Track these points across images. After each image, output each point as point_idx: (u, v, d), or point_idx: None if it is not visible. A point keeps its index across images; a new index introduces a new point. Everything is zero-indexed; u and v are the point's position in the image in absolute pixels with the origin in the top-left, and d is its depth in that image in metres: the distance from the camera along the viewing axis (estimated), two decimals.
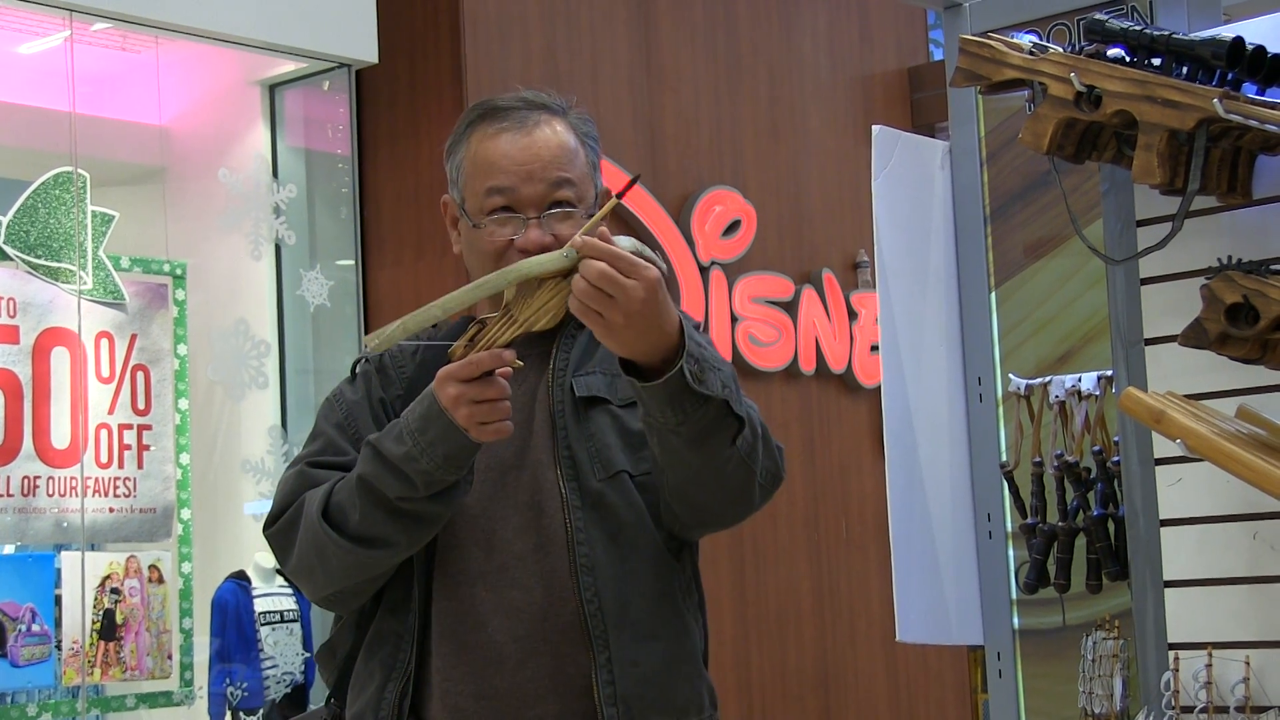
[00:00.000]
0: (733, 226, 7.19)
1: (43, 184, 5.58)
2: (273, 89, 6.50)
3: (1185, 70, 2.54)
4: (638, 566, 2.41)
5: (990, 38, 2.72)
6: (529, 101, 2.56)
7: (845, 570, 7.34)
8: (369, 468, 2.36)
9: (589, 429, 2.45)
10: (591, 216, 2.46)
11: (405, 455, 2.30)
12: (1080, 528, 2.96)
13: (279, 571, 5.98)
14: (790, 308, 7.38)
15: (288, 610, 5.96)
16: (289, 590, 5.94)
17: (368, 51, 6.28)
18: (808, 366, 7.42)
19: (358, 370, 2.60)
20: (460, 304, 2.28)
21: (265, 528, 2.52)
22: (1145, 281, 2.73)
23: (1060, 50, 2.63)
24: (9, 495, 5.41)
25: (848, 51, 7.91)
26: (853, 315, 7.60)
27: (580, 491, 2.42)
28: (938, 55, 8.27)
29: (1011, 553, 3.13)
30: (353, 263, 6.38)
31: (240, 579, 5.91)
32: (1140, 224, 2.76)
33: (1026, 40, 2.74)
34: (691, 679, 2.44)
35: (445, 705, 2.40)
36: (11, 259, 5.47)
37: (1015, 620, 3.13)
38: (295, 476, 2.51)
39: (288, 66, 6.36)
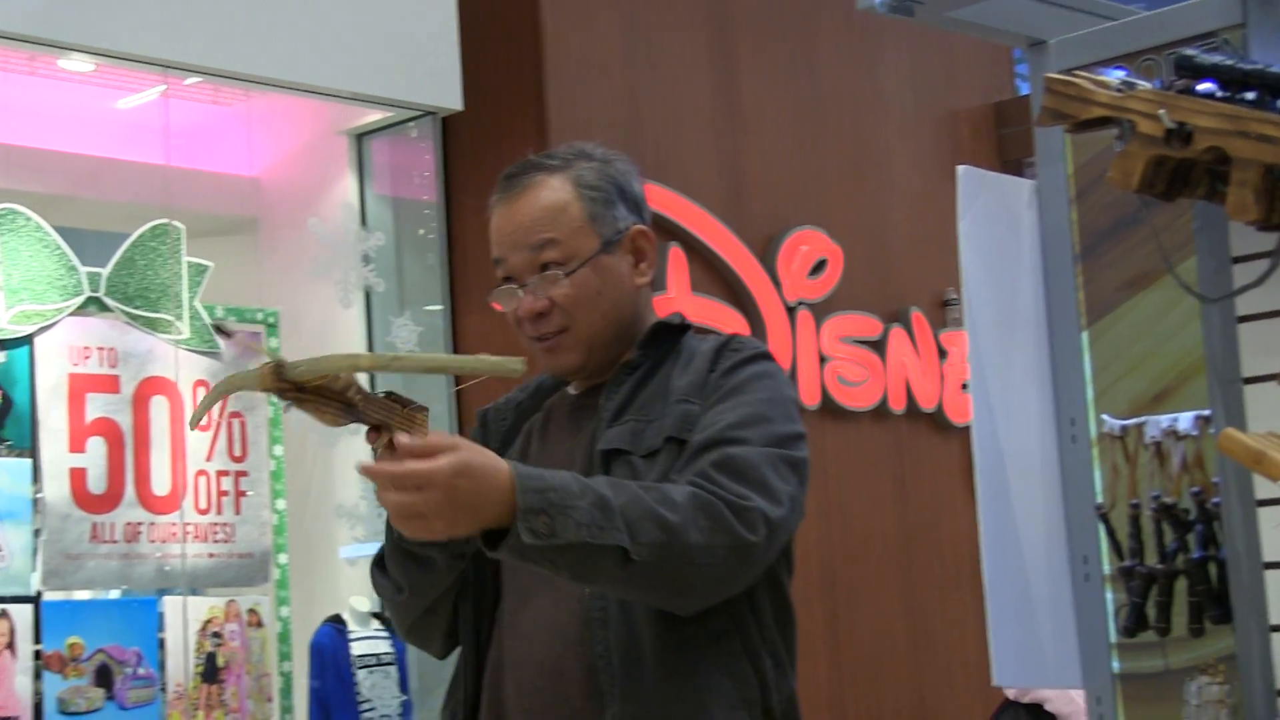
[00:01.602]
0: (819, 266, 7.18)
1: (140, 236, 5.67)
2: (360, 138, 6.57)
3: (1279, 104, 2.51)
4: (653, 621, 2.33)
5: (1076, 75, 2.70)
6: (530, 164, 2.51)
7: (940, 611, 7.28)
8: None
9: None
10: (582, 269, 2.43)
11: None
12: (1180, 570, 2.91)
13: (375, 615, 6.02)
14: (879, 347, 7.35)
15: (384, 653, 6.00)
16: (385, 633, 5.99)
17: (453, 99, 6.33)
18: (898, 406, 7.38)
19: (478, 422, 2.66)
20: (390, 368, 2.25)
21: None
22: (1242, 319, 2.70)
23: (1149, 86, 2.61)
24: (113, 541, 5.50)
25: (932, 88, 7.89)
26: (942, 354, 7.56)
27: None
28: (1024, 89, 8.23)
29: (1109, 595, 3.09)
30: (441, 308, 6.42)
31: (337, 623, 5.95)
32: (1236, 260, 2.72)
33: (1114, 77, 2.71)
34: None
35: None
36: (111, 310, 5.56)
37: (1115, 664, 3.09)
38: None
39: (374, 116, 6.43)
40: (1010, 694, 6.03)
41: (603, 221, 2.48)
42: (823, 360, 7.11)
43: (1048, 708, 5.91)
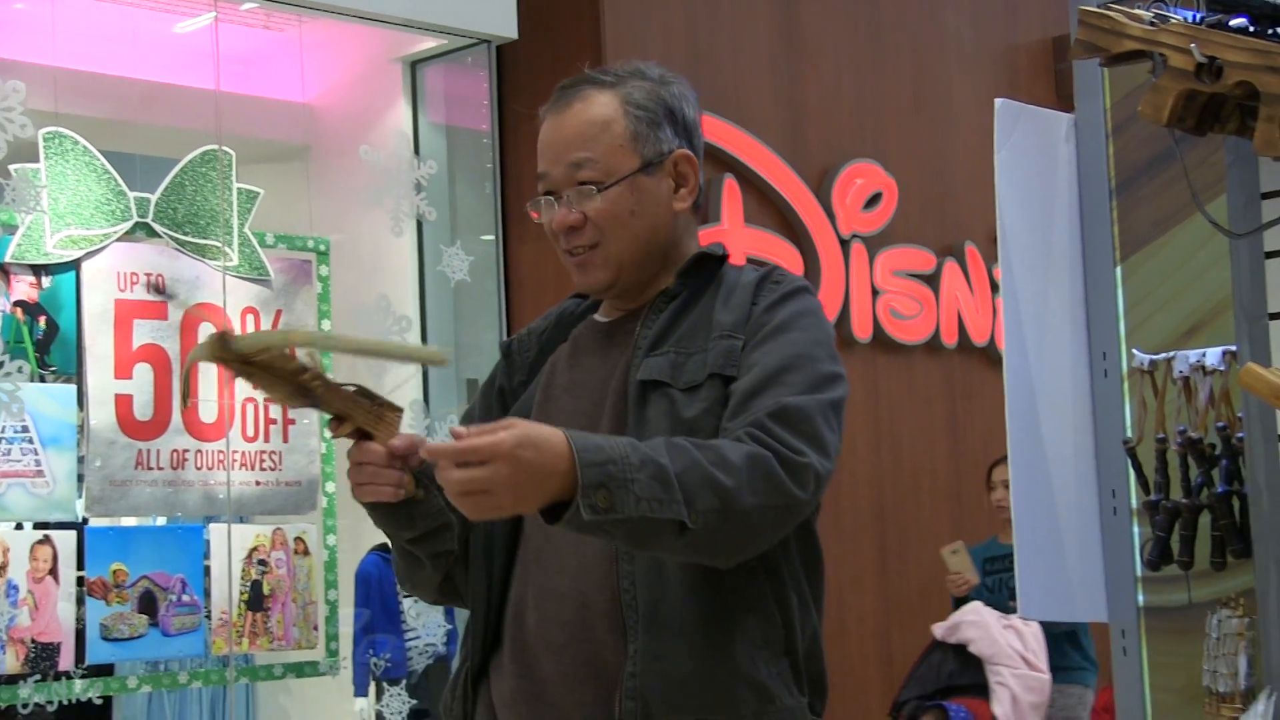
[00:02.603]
0: (874, 199, 7.15)
1: (189, 162, 5.69)
2: (414, 66, 6.57)
3: None
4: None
5: (1110, 8, 2.68)
6: (583, 79, 2.47)
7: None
8: None
9: (645, 415, 2.36)
10: (617, 187, 2.41)
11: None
12: (1204, 505, 2.91)
13: None
14: (932, 281, 7.32)
15: None
16: None
17: (507, 27, 6.32)
18: (950, 340, 7.36)
19: (501, 353, 2.65)
20: (328, 346, 2.28)
21: None
22: (1270, 255, 2.68)
23: (1181, 20, 2.58)
24: (159, 469, 5.52)
25: (991, 23, 7.82)
26: (995, 288, 7.51)
27: None
28: None
29: (1136, 530, 3.09)
30: (493, 238, 6.43)
31: (384, 551, 5.99)
32: (1265, 197, 2.70)
33: (1148, 12, 2.68)
34: (729, 677, 2.29)
35: (498, 690, 2.41)
36: (160, 236, 5.58)
37: (1140, 597, 3.09)
38: None
39: (428, 43, 6.43)
40: (938, 634, 6.07)
41: (645, 141, 2.44)
42: (875, 293, 7.09)
43: (971, 649, 5.95)
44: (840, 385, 2.37)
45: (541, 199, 2.47)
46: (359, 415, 2.21)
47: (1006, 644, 5.95)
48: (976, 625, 5.99)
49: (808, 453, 2.24)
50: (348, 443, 2.28)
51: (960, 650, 6.02)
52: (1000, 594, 6.22)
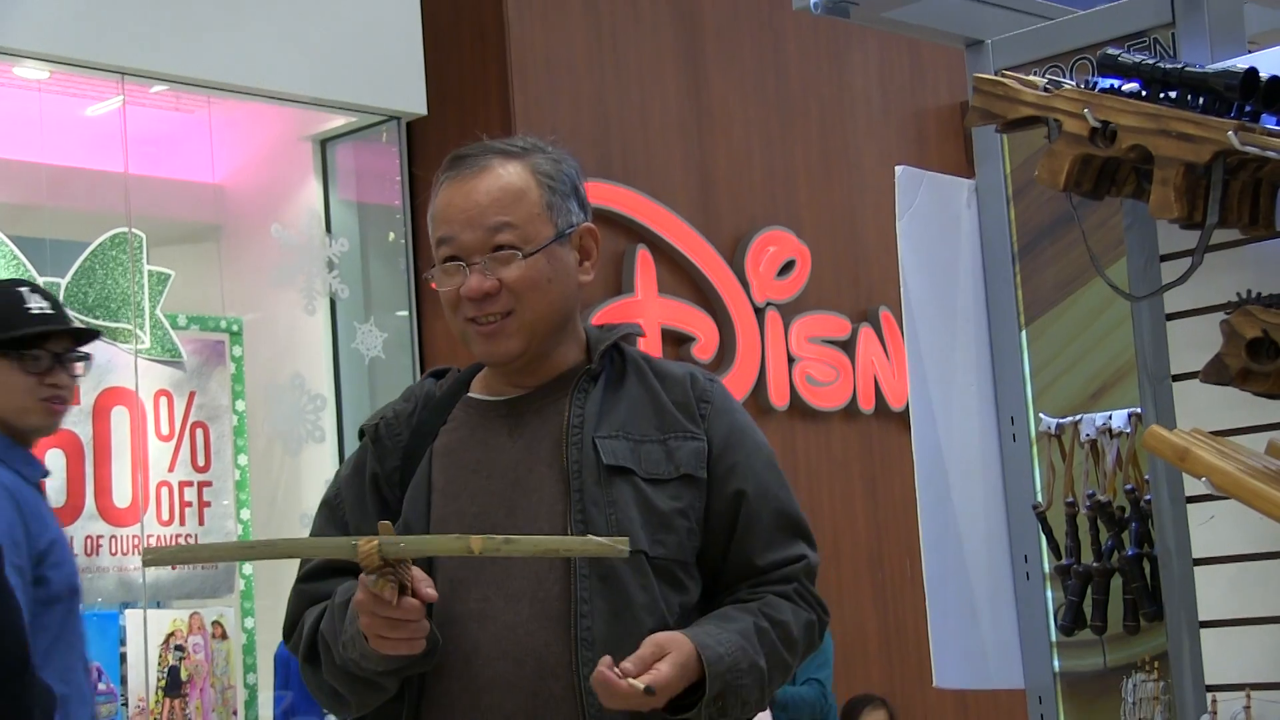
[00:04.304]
0: (787, 266, 7.18)
1: (100, 245, 5.65)
2: (324, 144, 6.55)
3: (1202, 102, 2.50)
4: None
5: (1005, 75, 2.69)
6: (488, 148, 2.47)
7: (911, 609, 7.26)
8: (327, 625, 2.38)
9: (610, 496, 2.35)
10: (536, 255, 2.42)
11: (347, 639, 2.30)
12: (1115, 568, 2.91)
13: None
14: (848, 346, 7.34)
15: None
16: None
17: (417, 103, 6.32)
18: (867, 405, 7.38)
19: (360, 440, 2.57)
20: (235, 558, 2.27)
21: (285, 641, 2.54)
22: (1171, 317, 2.69)
23: (1074, 86, 2.60)
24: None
25: (900, 86, 7.89)
26: None
27: (591, 560, 2.30)
28: None
29: (1049, 594, 3.09)
30: (407, 314, 6.40)
31: None
32: (1164, 258, 2.72)
33: (1042, 78, 2.71)
34: None
35: None
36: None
37: (1056, 663, 3.08)
38: (295, 597, 2.51)
39: (338, 121, 6.42)
40: None
41: (558, 212, 2.45)
42: (791, 360, 7.11)
43: None
44: None
45: (442, 266, 2.43)
46: (403, 573, 2.20)
47: None
48: None
49: (824, 608, 2.51)
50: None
51: None
52: None
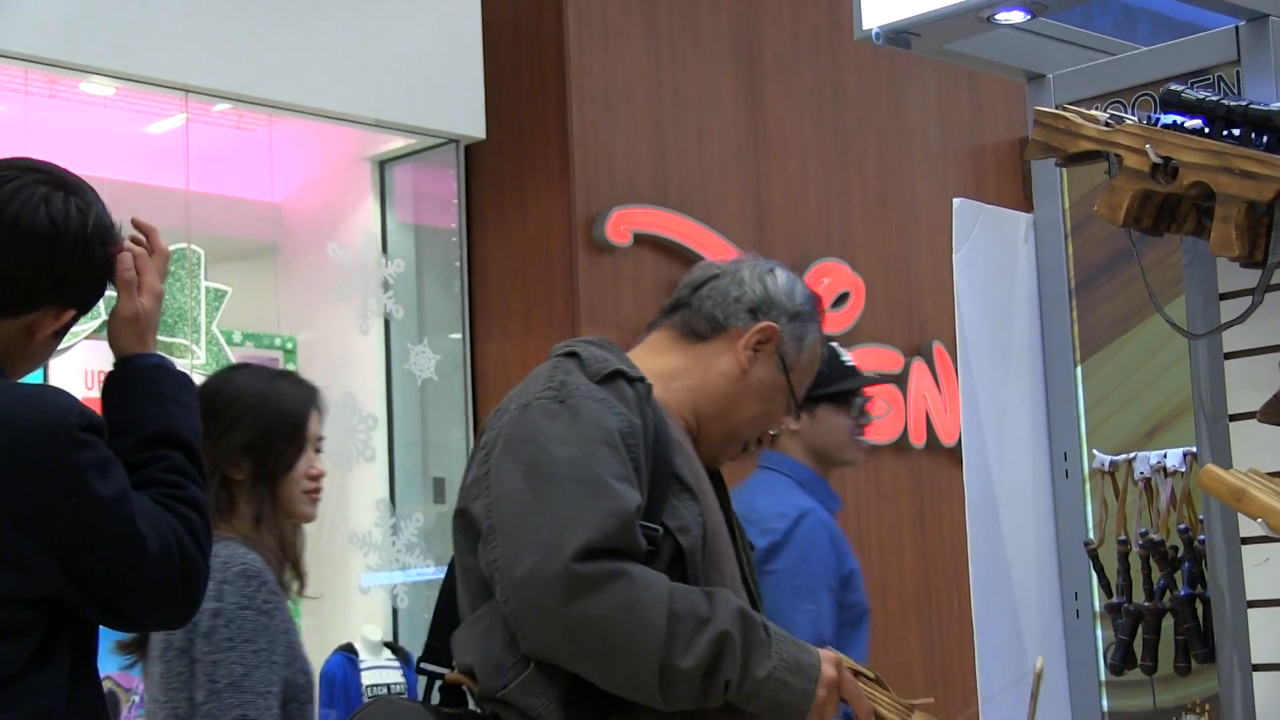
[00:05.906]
0: (841, 299, 7.16)
1: None
2: (382, 165, 6.59)
3: (1266, 141, 2.49)
4: None
5: (1066, 109, 2.69)
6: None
7: (958, 645, 7.22)
8: (735, 641, 2.38)
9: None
10: None
11: (764, 675, 2.40)
12: (1167, 608, 2.89)
13: (387, 645, 6.00)
14: (900, 380, 7.32)
15: (395, 683, 5.97)
16: (397, 664, 5.96)
17: (476, 127, 6.35)
18: (918, 440, 7.35)
19: (614, 386, 2.52)
20: None
21: (576, 558, 2.27)
22: (1229, 356, 2.68)
23: (1136, 121, 2.59)
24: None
25: (958, 121, 7.87)
26: None
27: None
28: None
29: (1099, 632, 3.07)
30: (460, 336, 6.42)
31: (348, 652, 5.93)
32: (1224, 297, 2.70)
33: (1104, 113, 2.70)
34: None
35: None
36: None
37: (1105, 702, 3.06)
38: (621, 518, 2.33)
39: (397, 143, 6.45)
40: None
41: None
42: None
43: None
44: None
45: None
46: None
47: None
48: None
49: None
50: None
51: None
52: None
